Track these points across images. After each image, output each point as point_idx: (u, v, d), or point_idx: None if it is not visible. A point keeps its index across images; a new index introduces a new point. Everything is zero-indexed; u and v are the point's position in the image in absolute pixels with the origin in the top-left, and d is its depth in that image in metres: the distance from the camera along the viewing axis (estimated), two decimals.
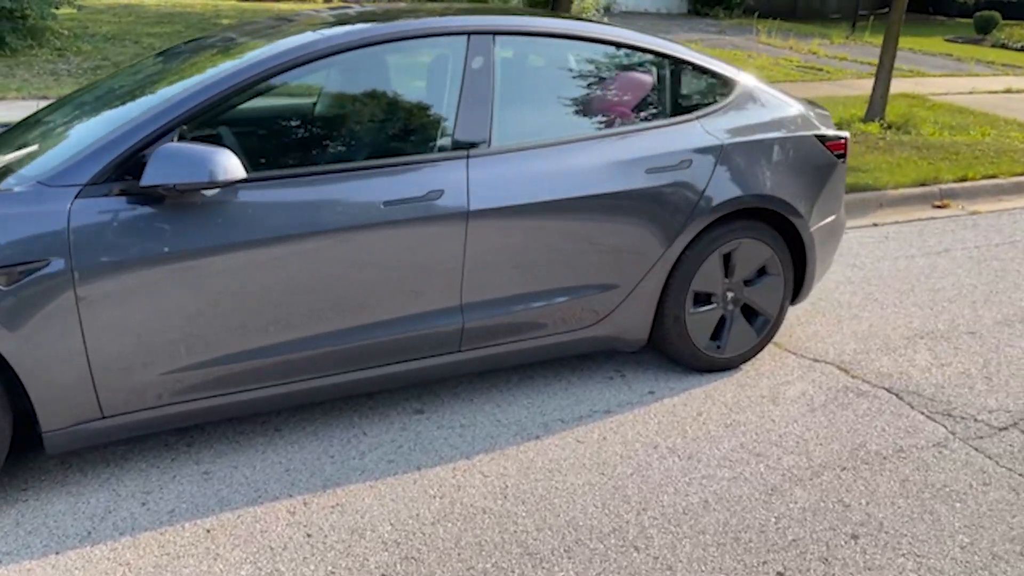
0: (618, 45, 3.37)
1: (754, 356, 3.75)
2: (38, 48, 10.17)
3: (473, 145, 2.96)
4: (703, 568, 2.44)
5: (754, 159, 3.48)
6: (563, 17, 3.46)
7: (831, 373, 3.70)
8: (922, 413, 3.38)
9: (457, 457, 2.93)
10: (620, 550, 2.49)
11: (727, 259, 3.51)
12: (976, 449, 3.13)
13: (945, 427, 3.28)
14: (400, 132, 3.01)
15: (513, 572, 2.37)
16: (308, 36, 2.82)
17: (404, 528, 2.54)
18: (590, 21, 3.44)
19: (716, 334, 3.60)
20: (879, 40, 12.45)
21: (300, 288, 2.69)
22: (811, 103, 4.06)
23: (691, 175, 3.32)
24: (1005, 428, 3.28)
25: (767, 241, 3.55)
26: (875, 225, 6.11)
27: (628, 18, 19.39)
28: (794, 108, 3.74)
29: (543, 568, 2.39)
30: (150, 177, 2.39)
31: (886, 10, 13.95)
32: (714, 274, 3.48)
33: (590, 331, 3.32)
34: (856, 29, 20.06)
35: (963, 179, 7.14)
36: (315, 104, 3.28)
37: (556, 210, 3.06)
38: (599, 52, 3.37)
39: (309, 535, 2.49)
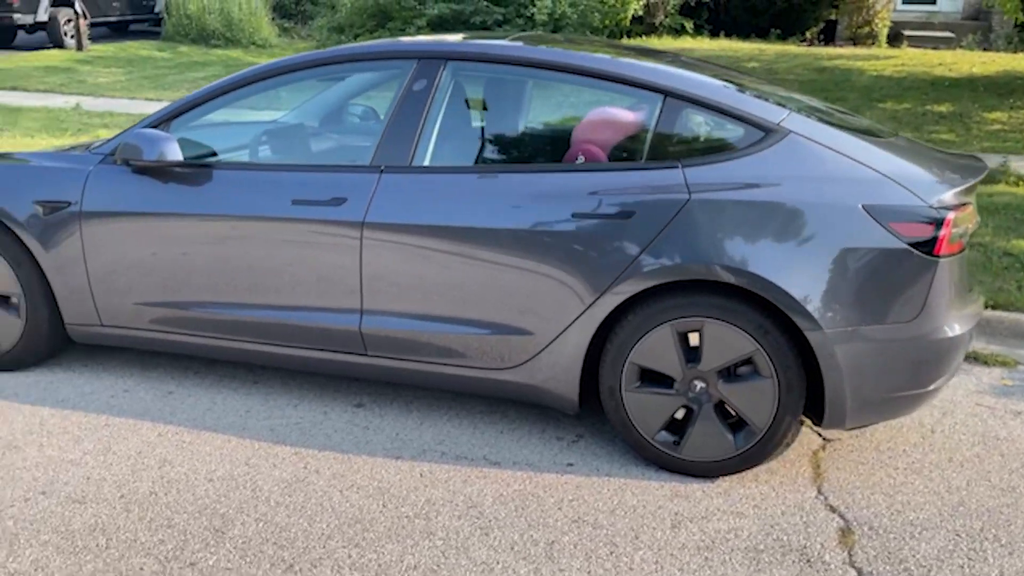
0: (601, 77, 3.03)
1: (737, 471, 2.96)
2: None
3: (392, 161, 3.09)
4: None
5: (734, 222, 2.78)
6: (555, 44, 3.23)
7: (821, 530, 2.71)
8: None
9: (308, 445, 3.13)
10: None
11: (687, 339, 2.88)
12: None
13: None
14: (329, 143, 3.30)
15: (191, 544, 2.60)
16: (276, 60, 3.33)
17: (161, 482, 2.94)
18: (591, 53, 3.13)
19: (677, 428, 2.98)
20: None
21: (225, 258, 3.25)
22: (964, 160, 2.96)
23: (630, 228, 2.84)
24: None
25: (748, 330, 2.79)
26: None
27: None
28: (860, 168, 2.80)
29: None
30: (116, 148, 3.24)
31: None
32: (665, 352, 2.89)
33: (505, 375, 3.11)
34: None
35: None
36: (287, 115, 3.72)
37: (458, 236, 3.00)
38: (575, 83, 3.09)
39: (116, 452, 3.07)
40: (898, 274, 2.73)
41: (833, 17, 18.24)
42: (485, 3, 11.90)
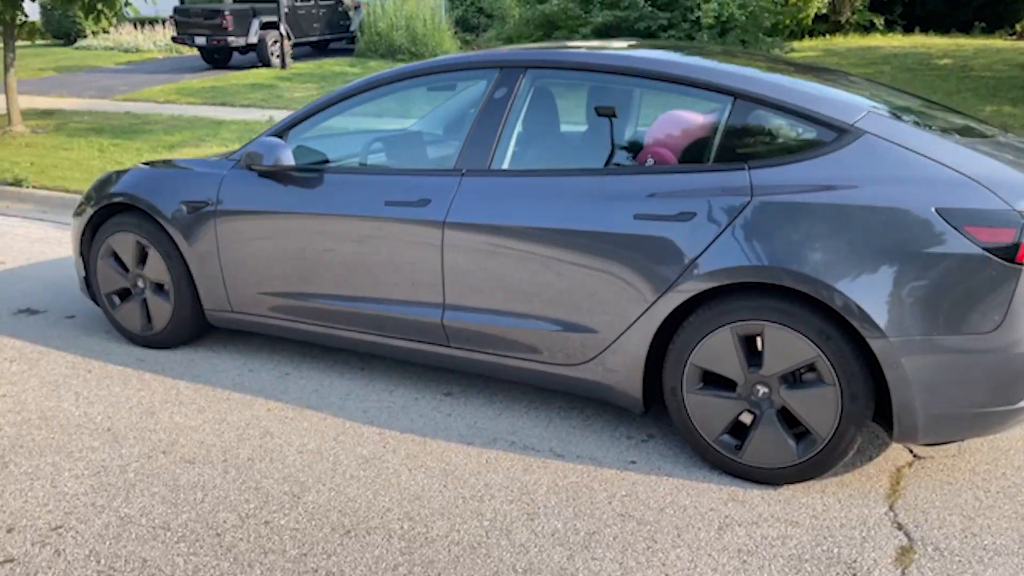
0: (671, 80, 3.05)
1: (799, 480, 2.90)
2: None
3: (472, 165, 3.28)
4: None
5: (796, 225, 2.73)
6: (627, 48, 3.26)
7: (879, 546, 2.60)
8: None
9: (393, 427, 3.38)
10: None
11: (749, 342, 2.85)
12: None
13: None
14: (420, 149, 3.51)
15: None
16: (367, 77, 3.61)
17: (246, 442, 3.27)
18: (655, 52, 3.16)
19: (740, 432, 2.95)
20: None
21: (330, 253, 3.57)
22: None
23: (689, 229, 2.86)
24: None
25: (809, 335, 2.73)
26: None
27: None
28: (940, 169, 2.66)
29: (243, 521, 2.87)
30: (244, 155, 3.66)
31: None
32: (727, 355, 2.88)
33: (573, 371, 3.20)
34: None
35: None
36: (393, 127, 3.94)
37: (527, 236, 3.13)
38: (643, 86, 3.14)
39: (229, 422, 3.45)
40: (975, 281, 2.57)
41: None
42: (650, 8, 11.87)
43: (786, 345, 2.78)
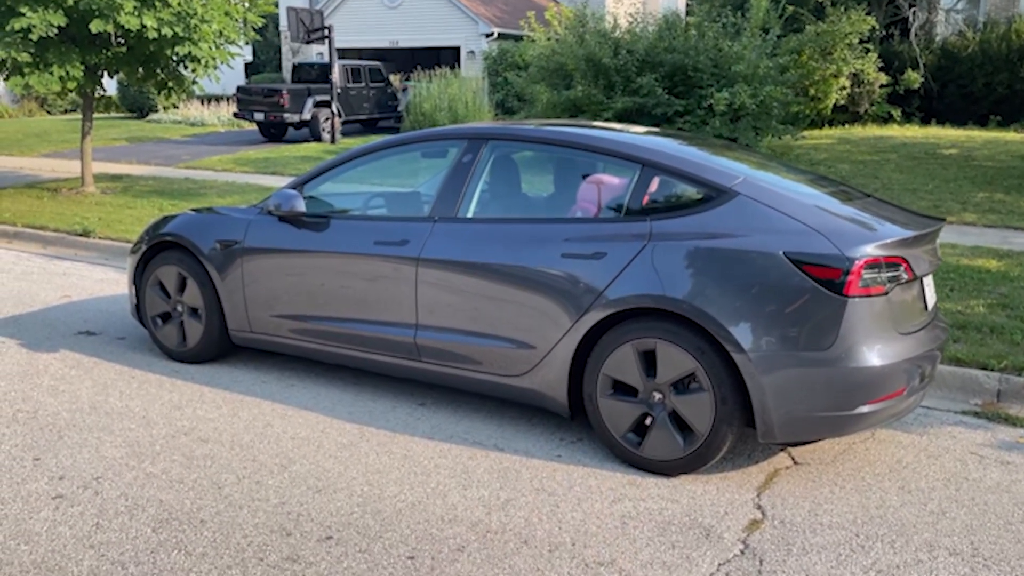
0: (596, 151, 3.87)
1: (688, 470, 3.56)
2: None
3: (443, 213, 4.10)
4: None
5: (680, 263, 3.47)
6: (564, 126, 4.10)
7: (736, 518, 3.25)
8: None
9: (370, 425, 4.13)
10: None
11: (647, 356, 3.56)
12: None
13: None
14: (403, 201, 4.35)
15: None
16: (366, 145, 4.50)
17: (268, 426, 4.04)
18: (588, 130, 4.01)
19: (639, 430, 3.64)
20: None
21: (328, 282, 4.39)
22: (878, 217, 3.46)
23: (600, 266, 3.61)
24: None
25: (689, 350, 3.44)
26: None
27: None
28: (791, 222, 3.39)
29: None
30: (267, 204, 4.54)
31: None
32: (629, 367, 3.59)
33: (517, 381, 3.93)
34: None
35: None
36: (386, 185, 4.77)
37: (482, 269, 3.92)
38: (575, 155, 3.94)
39: (239, 416, 4.24)
40: (812, 309, 3.27)
41: None
42: (667, 96, 12.81)
43: (673, 358, 3.48)
